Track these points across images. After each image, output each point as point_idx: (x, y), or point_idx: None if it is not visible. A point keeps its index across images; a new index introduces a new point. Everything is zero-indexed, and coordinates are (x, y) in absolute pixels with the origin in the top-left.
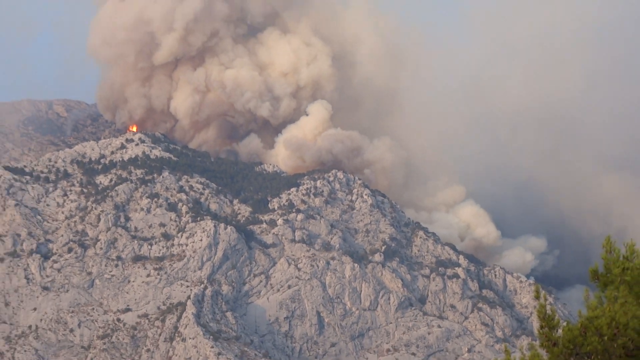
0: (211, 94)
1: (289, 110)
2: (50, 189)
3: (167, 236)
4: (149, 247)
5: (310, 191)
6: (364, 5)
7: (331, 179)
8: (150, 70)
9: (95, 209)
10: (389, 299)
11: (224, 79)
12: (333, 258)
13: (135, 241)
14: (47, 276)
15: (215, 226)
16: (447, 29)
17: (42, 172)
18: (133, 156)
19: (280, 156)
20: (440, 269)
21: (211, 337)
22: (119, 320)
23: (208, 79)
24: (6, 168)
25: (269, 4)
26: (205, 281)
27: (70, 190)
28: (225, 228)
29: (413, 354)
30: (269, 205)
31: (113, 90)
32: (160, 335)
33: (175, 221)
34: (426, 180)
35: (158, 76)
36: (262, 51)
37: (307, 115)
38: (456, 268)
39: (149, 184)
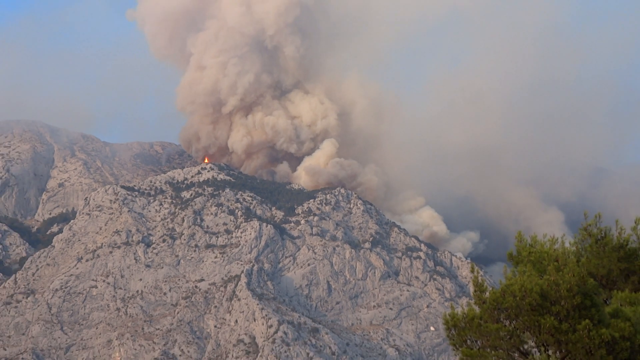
0: (256, 133)
1: (308, 148)
2: (151, 201)
3: (228, 231)
4: (216, 238)
5: (323, 202)
6: (357, 76)
7: (336, 193)
8: (216, 117)
9: (180, 213)
10: (374, 272)
11: (265, 124)
12: (337, 246)
13: (207, 234)
14: (149, 258)
15: (259, 225)
16: (412, 92)
17: (145, 189)
18: (206, 179)
19: (302, 178)
20: (408, 252)
21: (257, 297)
22: (196, 287)
23: (254, 124)
24: (122, 187)
25: (295, 76)
26: (253, 261)
27: (164, 201)
28: (267, 226)
29: (390, 308)
30: (295, 211)
31: (191, 133)
32: (223, 296)
33: (233, 221)
34: (398, 193)
35: (221, 123)
36: (291, 106)
37: (320, 149)
38: (419, 252)
39: (216, 197)
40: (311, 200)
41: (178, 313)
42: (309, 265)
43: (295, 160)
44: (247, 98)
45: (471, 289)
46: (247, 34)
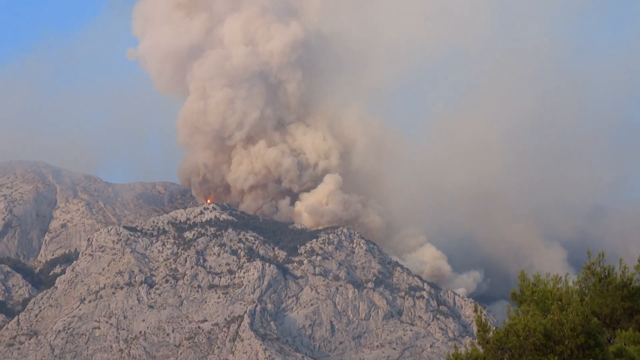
0: (258, 166)
1: (310, 185)
2: (154, 241)
3: (231, 271)
4: (219, 278)
5: (326, 241)
6: (358, 111)
7: (339, 233)
8: (217, 149)
9: (183, 254)
10: (377, 312)
11: (267, 161)
12: (340, 285)
13: (210, 275)
14: (152, 298)
15: (262, 265)
16: (413, 130)
17: (148, 230)
18: (208, 219)
19: (304, 217)
20: (411, 292)
21: (260, 338)
22: (199, 327)
23: (256, 156)
24: (125, 227)
25: (296, 112)
26: (256, 301)
27: (167, 242)
28: (269, 266)
29: (394, 348)
30: (298, 250)
31: (191, 165)
32: (227, 337)
33: (236, 262)
34: (400, 230)
35: (221, 154)
36: (291, 139)
37: (322, 182)
38: (422, 291)
39: (219, 237)
40: (314, 240)
41: (181, 354)
42: (312, 305)
43: (295, 194)
44: (251, 132)
45: (474, 328)
46: (252, 69)
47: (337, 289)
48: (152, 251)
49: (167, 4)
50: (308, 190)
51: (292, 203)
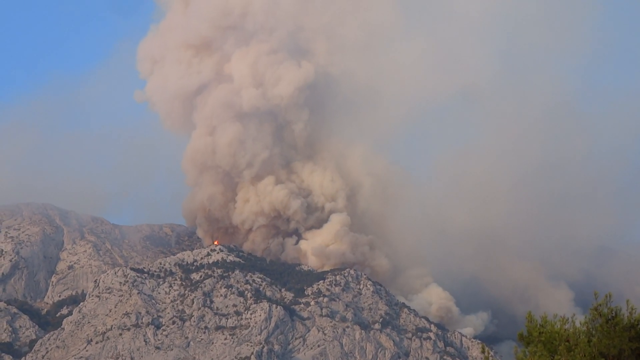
0: (265, 204)
1: (316, 224)
2: (161, 282)
3: (237, 313)
4: (226, 320)
5: (332, 283)
6: (364, 151)
7: (346, 274)
8: (224, 185)
9: (190, 295)
10: (384, 354)
11: (275, 200)
12: (347, 327)
13: (217, 316)
14: (159, 340)
15: (269, 306)
16: (419, 170)
17: (155, 271)
18: (215, 260)
19: (310, 258)
20: (418, 333)
21: None
22: None
23: (263, 193)
24: (132, 269)
25: (303, 151)
26: (263, 342)
27: (174, 283)
28: (276, 307)
29: None
30: (305, 292)
31: (196, 202)
32: None
33: (243, 303)
34: (406, 270)
35: (228, 191)
36: (298, 178)
37: (328, 222)
38: (429, 332)
39: (225, 279)
40: (320, 282)
41: None
42: (319, 346)
43: (300, 232)
44: (259, 170)
45: None
46: (261, 110)
47: (344, 330)
48: (159, 292)
49: (175, 44)
50: (314, 228)
51: (298, 240)
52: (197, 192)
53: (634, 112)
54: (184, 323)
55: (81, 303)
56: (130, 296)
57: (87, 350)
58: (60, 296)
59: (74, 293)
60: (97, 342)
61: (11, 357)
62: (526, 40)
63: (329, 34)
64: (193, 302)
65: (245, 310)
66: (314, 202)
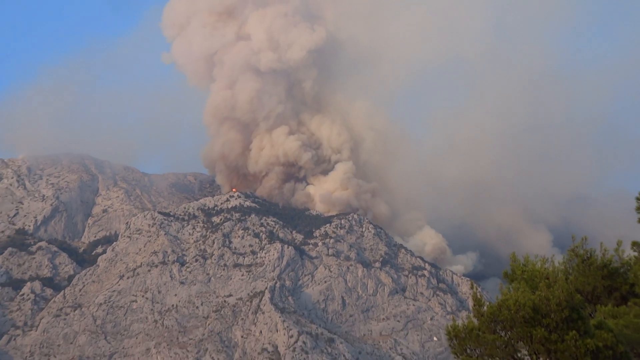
0: (280, 151)
1: (324, 170)
2: (185, 225)
3: (253, 252)
4: (243, 258)
5: (338, 226)
6: (364, 108)
7: (350, 218)
8: (242, 134)
9: (211, 236)
10: (384, 289)
11: (287, 149)
12: (351, 265)
13: (235, 255)
14: (183, 276)
15: (281, 246)
16: (416, 128)
17: (180, 215)
18: (234, 205)
19: (318, 204)
20: (414, 271)
21: (279, 311)
22: (225, 301)
23: (277, 142)
24: (159, 212)
25: (311, 106)
26: (276, 278)
27: (197, 226)
28: (288, 247)
29: (398, 321)
30: (313, 234)
31: (215, 150)
32: (249, 310)
33: (258, 243)
34: (403, 215)
35: (245, 140)
36: (307, 130)
37: (334, 170)
38: (423, 270)
39: (242, 222)
40: (327, 225)
41: (209, 325)
42: (325, 282)
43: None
44: (274, 122)
45: (470, 303)
46: (276, 70)
47: (348, 268)
48: (184, 234)
49: (200, 11)
50: (321, 174)
51: (306, 186)
52: (216, 141)
53: (609, 77)
54: (205, 261)
55: (114, 243)
56: (158, 237)
57: (119, 285)
58: (95, 236)
59: (107, 234)
60: (128, 278)
61: (52, 290)
62: (514, 12)
63: (337, 1)
64: (214, 243)
65: (260, 250)
66: (322, 154)
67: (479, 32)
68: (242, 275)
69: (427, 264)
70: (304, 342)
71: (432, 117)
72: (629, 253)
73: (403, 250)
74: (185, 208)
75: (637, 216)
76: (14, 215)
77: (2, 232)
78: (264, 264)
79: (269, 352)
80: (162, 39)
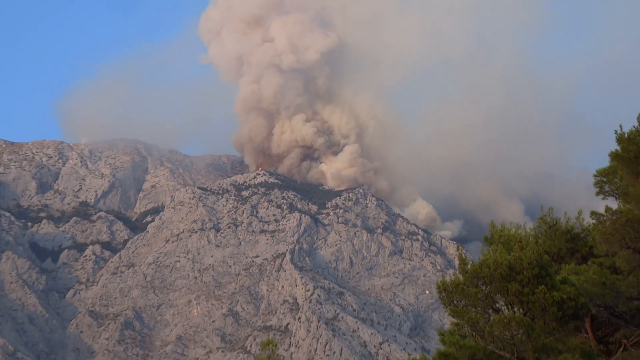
0: (297, 137)
1: (335, 151)
2: (219, 198)
3: (276, 220)
4: (268, 225)
5: (346, 198)
6: (367, 100)
7: (356, 192)
8: (266, 122)
9: (241, 207)
10: (384, 251)
11: (304, 133)
12: (357, 231)
13: (261, 223)
14: (218, 240)
15: (300, 215)
16: (410, 117)
17: (215, 189)
18: (260, 182)
19: (330, 180)
20: (410, 236)
21: (298, 269)
22: (253, 261)
23: (295, 128)
24: (198, 187)
25: (323, 98)
26: (295, 242)
27: (229, 198)
28: (305, 217)
29: (396, 277)
30: (326, 205)
31: (244, 135)
32: (273, 268)
33: (280, 213)
34: (400, 189)
35: (268, 126)
36: (320, 118)
37: (343, 152)
38: (417, 235)
39: (267, 195)
40: (337, 197)
41: (239, 280)
42: (336, 245)
43: (321, 158)
44: (293, 111)
45: (456, 263)
46: (295, 69)
47: (355, 233)
48: (218, 205)
49: (232, 19)
50: (332, 155)
51: (319, 163)
52: (245, 128)
53: (571, 75)
54: (236, 228)
55: (161, 213)
56: (197, 208)
57: (165, 247)
58: (145, 207)
59: (155, 205)
60: (172, 242)
61: (109, 252)
62: (493, 21)
63: (345, 12)
64: (243, 213)
65: (281, 219)
66: (333, 138)
67: (463, 38)
68: (267, 239)
69: (420, 230)
70: (318, 295)
71: (424, 108)
72: (588, 221)
73: (400, 218)
74: (219, 184)
75: (595, 190)
76: (78, 190)
77: (69, 204)
78: (285, 230)
79: (289, 304)
80: (200, 43)
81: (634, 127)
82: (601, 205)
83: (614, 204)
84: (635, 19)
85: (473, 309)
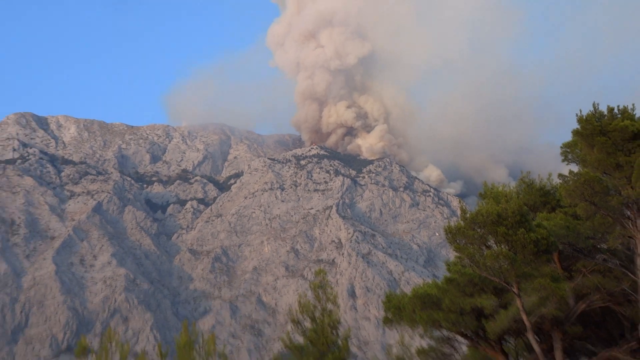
0: (340, 119)
1: (368, 130)
2: (284, 166)
3: (325, 182)
4: (319, 186)
5: (377, 165)
6: (392, 92)
7: (385, 161)
8: (317, 107)
9: (300, 172)
10: (406, 204)
11: (346, 116)
12: (385, 190)
13: (314, 184)
14: (283, 197)
15: (343, 179)
16: (423, 106)
17: (280, 159)
18: (314, 154)
19: (365, 152)
20: (424, 192)
21: (342, 218)
22: (308, 212)
23: (339, 112)
24: (269, 158)
25: (359, 90)
26: (339, 198)
27: (291, 166)
28: (346, 179)
29: (414, 223)
30: (362, 170)
31: (301, 118)
32: (323, 217)
33: (329, 176)
34: (416, 159)
35: (318, 110)
36: (357, 105)
37: (374, 130)
38: (430, 192)
39: (319, 163)
40: (370, 165)
41: (299, 226)
42: (369, 200)
43: (358, 134)
44: (338, 99)
45: (459, 212)
46: (339, 69)
47: (383, 191)
48: (283, 171)
49: (292, 33)
50: (366, 132)
51: (357, 138)
52: (302, 112)
53: (542, 72)
54: (296, 188)
55: (241, 177)
56: (267, 173)
57: (244, 202)
58: (229, 173)
59: (237, 171)
60: (249, 198)
61: (204, 206)
62: (482, 32)
63: (376, 26)
64: (301, 176)
65: (329, 181)
66: (367, 120)
67: (460, 46)
68: (319, 196)
69: (431, 189)
70: (356, 237)
71: (433, 99)
72: (556, 181)
73: (417, 180)
74: (283, 155)
75: (561, 158)
76: (180, 161)
77: (173, 171)
78: (332, 189)
79: (335, 243)
80: (269, 52)
81: (589, 111)
82: (566, 169)
83: (575, 168)
84: (589, 26)
85: (471, 246)
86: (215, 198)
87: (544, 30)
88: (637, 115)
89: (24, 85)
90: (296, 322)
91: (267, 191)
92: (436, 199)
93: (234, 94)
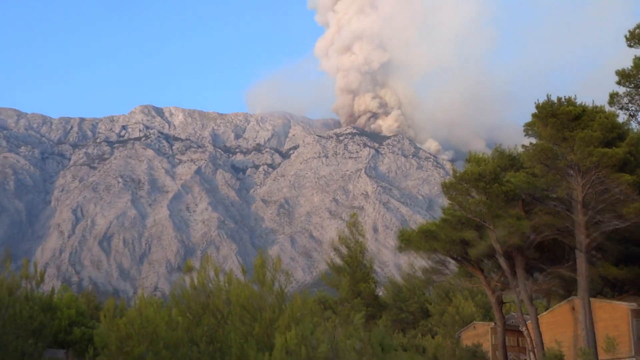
0: (369, 107)
1: (386, 114)
2: (328, 140)
3: (357, 151)
4: (352, 154)
5: (394, 140)
6: (401, 88)
7: (399, 137)
8: (351, 97)
9: (338, 145)
10: (414, 167)
11: (372, 105)
12: (399, 157)
13: (348, 152)
14: (326, 162)
15: (369, 150)
16: (424, 96)
17: (325, 136)
18: (348, 132)
19: (385, 130)
20: (427, 159)
21: (368, 177)
22: (345, 172)
23: (367, 101)
24: (317, 135)
25: (380, 85)
26: (366, 162)
27: (331, 140)
28: (371, 149)
29: (419, 180)
30: (382, 143)
31: (339, 105)
32: (355, 176)
33: (359, 147)
34: (421, 135)
35: (351, 99)
36: (379, 96)
37: (390, 115)
38: (430, 159)
39: (352, 139)
40: (388, 140)
41: (338, 183)
42: (388, 165)
43: (380, 117)
44: (366, 91)
45: (451, 173)
46: (368, 71)
47: (398, 158)
48: (327, 145)
49: (333, 46)
50: (385, 115)
51: (377, 118)
52: (340, 101)
53: (510, 69)
54: (336, 155)
55: (298, 148)
56: (316, 146)
57: (300, 166)
58: (290, 145)
59: (295, 145)
60: (303, 163)
61: (272, 169)
62: (467, 42)
63: (391, 40)
64: (339, 148)
65: (360, 150)
66: (387, 108)
67: (451, 52)
68: (353, 161)
69: (432, 156)
70: (379, 190)
71: (432, 92)
72: (520, 150)
73: (421, 150)
74: (327, 133)
75: (523, 134)
76: (255, 137)
77: (250, 144)
78: (361, 157)
79: (364, 195)
80: (316, 60)
81: (544, 100)
82: (527, 141)
83: (534, 140)
84: (549, 34)
85: (460, 196)
86: (279, 163)
87: (511, 40)
88: (578, 103)
89: (148, 83)
90: (336, 249)
91: (315, 158)
92: (435, 163)
93: (293, 90)
